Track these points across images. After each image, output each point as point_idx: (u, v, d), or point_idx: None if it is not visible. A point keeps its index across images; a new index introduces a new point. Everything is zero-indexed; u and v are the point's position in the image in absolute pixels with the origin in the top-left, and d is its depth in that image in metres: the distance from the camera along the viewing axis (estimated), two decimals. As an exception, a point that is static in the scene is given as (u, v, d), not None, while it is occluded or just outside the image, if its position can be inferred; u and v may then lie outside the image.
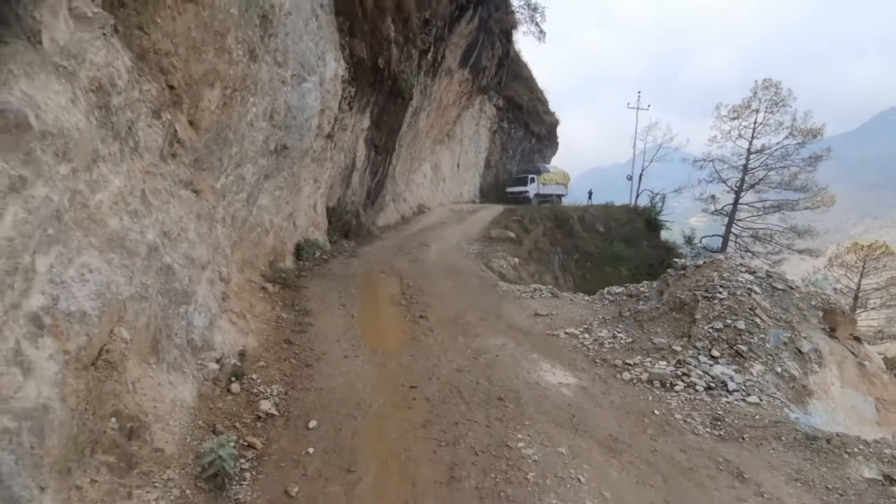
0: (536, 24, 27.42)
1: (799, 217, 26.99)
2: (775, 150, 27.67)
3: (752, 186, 28.10)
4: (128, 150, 4.43)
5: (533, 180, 29.60)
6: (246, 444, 3.68)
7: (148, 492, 2.81)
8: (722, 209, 28.67)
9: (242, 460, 3.46)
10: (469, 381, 5.31)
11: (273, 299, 7.52)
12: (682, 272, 7.53)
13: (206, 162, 6.29)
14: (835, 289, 25.67)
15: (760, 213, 27.84)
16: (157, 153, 4.98)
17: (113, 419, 2.95)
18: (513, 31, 28.23)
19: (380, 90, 15.34)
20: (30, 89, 3.22)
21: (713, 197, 29.27)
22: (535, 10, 27.21)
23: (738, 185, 28.16)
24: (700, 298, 6.62)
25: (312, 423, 4.14)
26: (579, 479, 3.60)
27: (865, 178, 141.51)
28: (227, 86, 6.73)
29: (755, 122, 27.88)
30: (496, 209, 23.66)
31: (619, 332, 6.95)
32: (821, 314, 6.49)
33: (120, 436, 2.95)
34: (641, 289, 8.26)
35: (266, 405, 4.29)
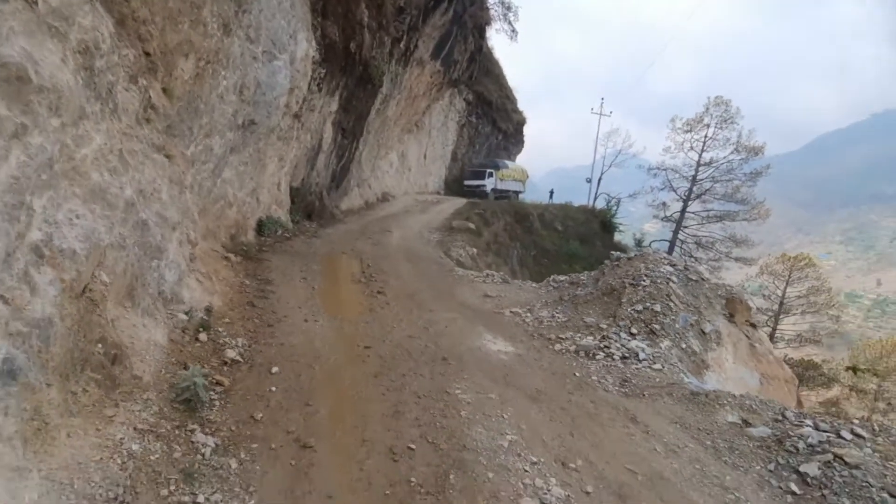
0: (509, 22, 28.29)
1: (739, 227, 29.55)
2: (721, 163, 30.01)
3: (698, 196, 30.36)
4: (108, 111, 4.77)
5: (491, 175, 29.58)
6: (214, 381, 4.18)
7: (131, 405, 3.30)
8: (671, 216, 30.81)
9: (212, 393, 3.97)
10: (418, 345, 6.00)
11: (235, 268, 7.89)
12: (615, 263, 8.56)
13: (178, 129, 6.60)
14: (763, 295, 28.39)
15: (704, 221, 30.16)
16: (134, 116, 5.31)
17: (99, 345, 3.41)
18: (486, 27, 28.93)
19: (350, 74, 15.60)
20: (28, 46, 3.59)
21: (664, 204, 31.34)
22: (508, 8, 28.06)
23: (686, 194, 30.33)
24: (627, 285, 7.63)
25: (275, 370, 4.69)
26: (503, 416, 4.37)
27: (802, 196, 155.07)
28: (200, 57, 7.03)
29: (706, 136, 30.08)
30: (460, 202, 24.39)
31: (557, 313, 7.86)
32: (724, 302, 7.67)
33: (105, 360, 3.42)
34: (581, 277, 9.26)
35: (231, 353, 4.78)
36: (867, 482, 3.74)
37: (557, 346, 6.67)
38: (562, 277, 9.84)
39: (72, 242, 3.55)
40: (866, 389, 25.05)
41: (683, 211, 30.21)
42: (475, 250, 16.52)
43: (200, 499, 2.75)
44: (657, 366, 6.00)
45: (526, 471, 3.59)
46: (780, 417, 4.64)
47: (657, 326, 6.77)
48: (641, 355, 6.18)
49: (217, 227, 9.14)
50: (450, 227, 18.63)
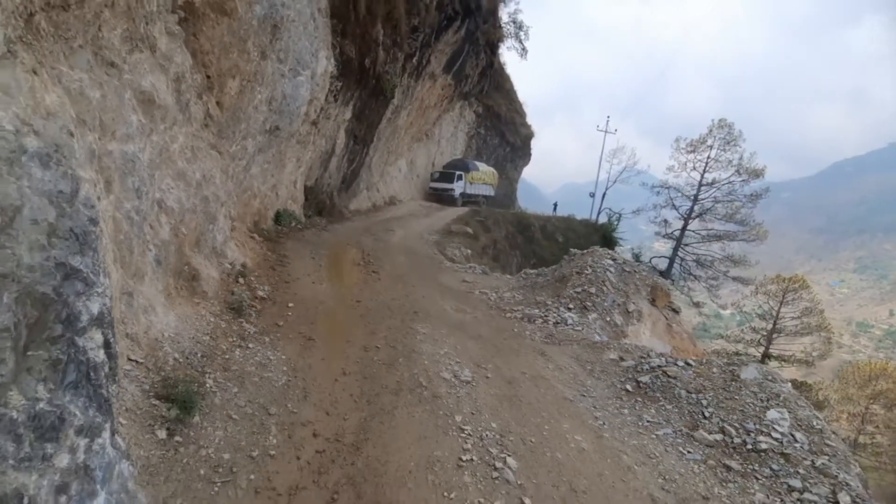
0: (520, 40, 30.82)
1: (745, 248, 31.06)
2: (723, 184, 31.77)
3: (699, 215, 32.10)
4: (185, 119, 7.20)
5: (460, 178, 28.86)
6: (250, 304, 6.47)
7: (205, 304, 5.60)
8: (671, 233, 32.59)
9: (251, 309, 6.26)
10: (397, 304, 8.22)
11: (259, 245, 10.25)
12: (571, 257, 10.72)
13: (225, 132, 9.03)
14: (757, 314, 29.92)
15: (704, 240, 31.85)
16: (199, 123, 7.74)
17: (186, 266, 5.75)
18: (498, 44, 31.54)
19: (364, 87, 18.15)
20: (153, 79, 6.02)
21: (665, 221, 33.14)
22: (520, 27, 30.63)
23: (687, 212, 32.12)
24: (574, 273, 9.77)
25: (290, 305, 6.96)
26: (446, 342, 6.55)
27: (816, 222, 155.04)
28: (243, 78, 9.49)
29: (708, 157, 31.90)
30: (463, 209, 26.68)
31: (517, 294, 10.01)
32: (649, 289, 9.72)
33: (188, 276, 5.74)
34: (546, 270, 11.41)
35: (261, 292, 7.08)
36: (676, 385, 5.81)
37: (508, 315, 8.83)
38: (532, 271, 11.99)
39: (171, 203, 5.90)
40: (855, 413, 26.32)
41: (684, 229, 31.95)
42: (469, 251, 18.69)
43: (250, 345, 5.01)
44: (578, 328, 8.10)
45: (450, 364, 5.76)
46: (646, 356, 6.69)
47: (589, 304, 8.87)
48: (569, 321, 8.29)
49: (245, 213, 11.55)
50: (449, 230, 20.84)
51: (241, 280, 7.20)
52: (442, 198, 28.34)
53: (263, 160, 12.48)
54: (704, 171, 31.84)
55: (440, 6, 22.65)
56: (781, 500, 4.20)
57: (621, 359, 6.69)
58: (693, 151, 32.23)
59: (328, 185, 18.67)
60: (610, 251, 11.07)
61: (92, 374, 2.62)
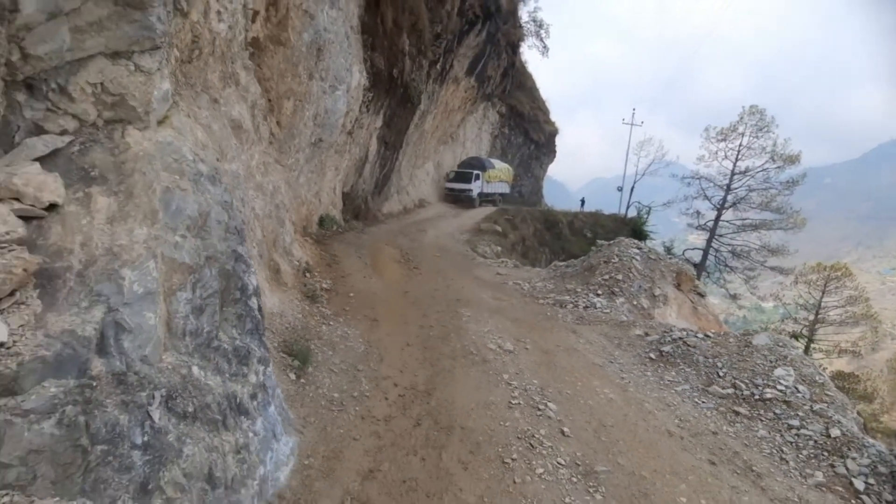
0: (541, 39, 31.74)
1: (783, 238, 30.79)
2: (757, 172, 31.63)
3: (733, 205, 32.03)
4: (257, 138, 8.61)
5: (477, 177, 28.27)
6: (320, 294, 7.78)
7: (288, 292, 6.92)
8: (704, 224, 32.67)
9: (321, 298, 7.57)
10: (440, 294, 9.42)
11: (311, 246, 11.65)
12: (598, 249, 11.68)
13: (284, 148, 10.46)
14: (797, 304, 29.76)
15: (740, 230, 31.77)
16: (266, 142, 9.16)
17: (271, 261, 7.10)
18: (519, 43, 32.52)
19: (392, 95, 19.52)
20: (238, 109, 7.41)
21: (698, 212, 33.20)
22: (540, 26, 31.56)
23: (720, 202, 32.12)
24: (602, 263, 10.75)
25: (351, 294, 8.25)
26: (488, 322, 7.68)
27: (861, 207, 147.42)
28: (296, 98, 10.91)
29: (740, 145, 31.82)
30: (491, 208, 27.76)
31: (548, 284, 11.06)
32: (674, 274, 10.58)
33: (274, 268, 7.09)
34: (574, 261, 12.40)
35: (325, 285, 8.40)
36: (695, 352, 6.76)
37: (541, 301, 9.90)
38: (561, 263, 13.01)
39: (256, 210, 7.27)
40: (908, 403, 25.94)
41: (717, 220, 31.97)
42: (499, 248, 19.79)
43: (330, 323, 6.30)
44: (606, 310, 9.09)
45: (494, 338, 6.90)
46: (668, 331, 7.64)
47: (616, 289, 9.84)
48: (598, 306, 9.29)
49: (297, 218, 13.02)
50: (478, 229, 21.98)
51: (307, 275, 8.54)
52: (459, 198, 27.93)
53: (309, 170, 13.94)
54: (737, 160, 31.72)
55: (461, 12, 23.89)
56: (780, 435, 5.14)
57: (646, 334, 7.67)
58: (724, 140, 32.17)
59: (363, 190, 20.11)
60: (636, 241, 11.96)
61: (259, 326, 3.90)
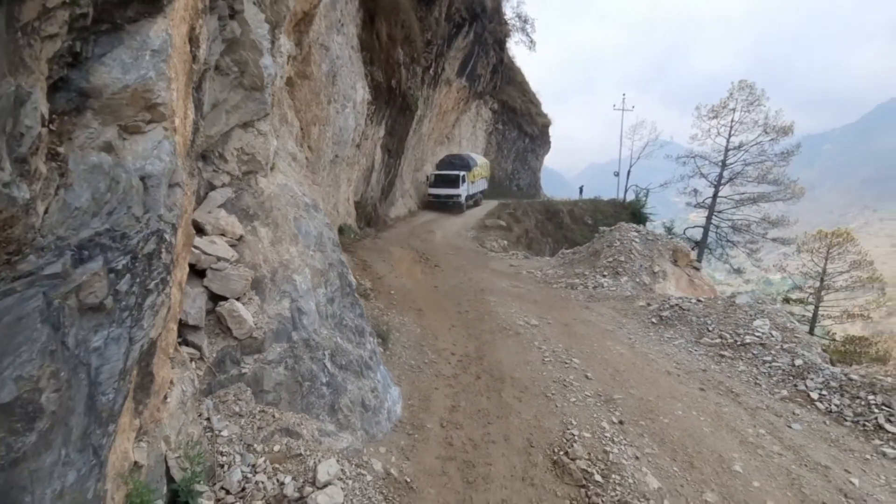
0: (527, 33, 33.55)
1: (783, 210, 32.63)
2: (751, 146, 33.32)
3: (730, 180, 33.76)
4: (298, 165, 10.35)
5: (463, 180, 26.32)
6: (369, 293, 9.54)
7: (347, 292, 8.68)
8: (703, 202, 34.41)
9: (370, 295, 9.32)
10: (465, 286, 11.21)
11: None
12: (601, 235, 13.51)
13: (315, 169, 12.21)
14: (801, 272, 31.60)
15: (738, 205, 33.46)
16: (303, 165, 10.91)
17: (329, 269, 8.87)
18: (506, 39, 34.32)
19: (392, 105, 21.26)
20: (289, 143, 9.16)
21: (695, 191, 34.93)
22: (525, 21, 33.37)
23: (717, 179, 33.83)
24: (605, 247, 12.57)
25: (392, 292, 10.02)
26: (513, 305, 9.47)
27: (865, 170, 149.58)
28: (320, 123, 12.68)
29: (732, 121, 33.49)
30: (492, 203, 29.47)
31: (558, 270, 12.86)
32: (671, 252, 12.40)
33: (332, 275, 8.86)
34: (580, 248, 14.21)
35: (367, 285, 10.16)
36: (689, 314, 8.58)
37: (555, 286, 11.70)
38: (568, 251, 14.82)
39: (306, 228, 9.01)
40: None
41: (715, 196, 33.67)
42: (506, 242, 21.58)
43: (388, 314, 8.06)
44: (613, 288, 10.90)
45: (521, 316, 8.68)
46: (667, 300, 9.43)
47: (620, 270, 11.66)
48: (605, 285, 11.10)
49: (321, 231, 14.78)
50: (483, 225, 23.75)
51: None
52: (446, 206, 25.99)
53: (327, 184, 15.70)
54: (730, 136, 33.28)
55: (448, 16, 25.69)
56: (756, 368, 6.93)
57: (648, 304, 9.48)
58: (716, 117, 33.82)
59: (371, 197, 21.87)
60: (634, 225, 13.79)
61: (363, 311, 5.66)
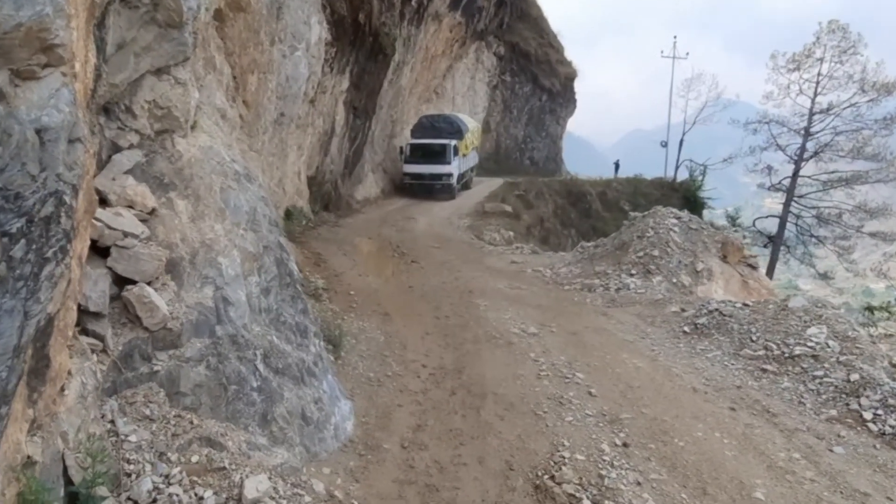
0: (545, -47, 34.11)
1: (884, 195, 32.69)
2: (843, 108, 33.40)
3: (815, 155, 33.89)
4: (228, 123, 10.90)
5: (455, 152, 25.86)
6: (321, 293, 10.11)
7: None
8: (780, 183, 34.58)
9: (323, 296, 9.89)
10: (450, 286, 11.82)
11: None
12: (631, 222, 14.16)
13: (252, 131, 12.76)
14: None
15: (826, 187, 33.68)
16: (237, 125, 11.46)
17: (269, 260, 9.45)
18: (517, -41, 34.84)
19: (360, 48, 21.69)
20: (218, 95, 9.72)
21: (770, 168, 35.16)
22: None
23: (798, 152, 33.95)
24: (635, 238, 13.22)
25: (351, 293, 10.60)
26: (508, 310, 10.08)
27: None
28: (260, 71, 13.23)
29: (818, 75, 33.61)
30: (495, 182, 30.01)
31: (574, 268, 13.50)
32: (719, 245, 13.06)
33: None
34: (604, 240, 14.86)
35: (320, 283, 10.73)
36: (730, 321, 9.22)
37: (567, 287, 12.34)
38: (588, 244, 15.47)
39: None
40: None
41: (795, 175, 33.86)
42: (511, 233, 22.17)
43: (344, 317, 8.64)
44: (641, 291, 11.54)
45: (516, 324, 9.29)
46: (705, 304, 10.07)
47: (653, 267, 12.30)
48: (632, 287, 11.75)
49: (262, 214, 15.32)
50: (482, 211, 24.20)
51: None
52: (431, 190, 25.86)
53: (269, 152, 16.24)
54: (816, 95, 33.49)
55: (438, -74, 26.22)
56: (804, 384, 7.56)
57: (682, 310, 10.13)
58: (797, 69, 33.95)
59: (330, 171, 22.41)
60: (674, 210, 14.42)
61: (307, 307, 6.23)
